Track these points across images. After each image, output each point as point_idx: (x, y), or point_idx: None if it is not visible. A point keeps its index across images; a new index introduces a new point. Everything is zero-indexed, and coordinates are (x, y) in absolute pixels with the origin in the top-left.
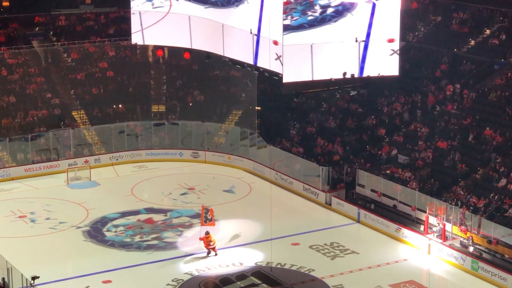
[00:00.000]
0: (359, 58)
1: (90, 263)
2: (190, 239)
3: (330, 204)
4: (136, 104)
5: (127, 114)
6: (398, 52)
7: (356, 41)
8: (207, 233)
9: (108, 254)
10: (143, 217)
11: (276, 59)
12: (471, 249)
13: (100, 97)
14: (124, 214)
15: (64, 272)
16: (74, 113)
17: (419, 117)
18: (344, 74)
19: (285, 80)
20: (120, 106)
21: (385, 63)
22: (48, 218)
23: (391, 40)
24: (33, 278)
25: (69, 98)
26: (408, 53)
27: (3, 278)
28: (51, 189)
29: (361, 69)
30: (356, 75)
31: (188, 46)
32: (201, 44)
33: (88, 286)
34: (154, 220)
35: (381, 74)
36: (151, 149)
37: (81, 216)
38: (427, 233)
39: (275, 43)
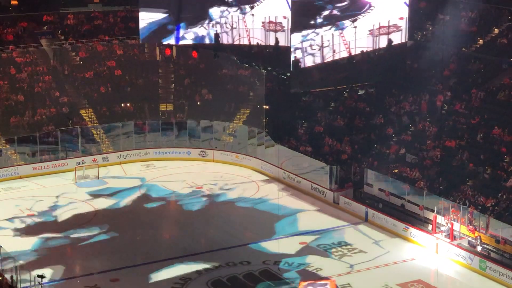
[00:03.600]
0: None
1: (98, 262)
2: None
3: (338, 203)
4: (144, 103)
5: (135, 113)
6: None
7: None
8: None
9: (116, 252)
10: None
11: None
12: (479, 248)
13: (108, 95)
14: None
15: (72, 271)
16: (82, 111)
17: (427, 116)
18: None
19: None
20: (128, 104)
21: None
22: (56, 216)
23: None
24: (40, 276)
25: (77, 96)
26: (416, 52)
27: (11, 276)
28: (59, 188)
29: None
30: None
31: None
32: None
33: (96, 285)
34: None
35: None
36: (159, 148)
37: (89, 214)
38: (435, 233)
39: None
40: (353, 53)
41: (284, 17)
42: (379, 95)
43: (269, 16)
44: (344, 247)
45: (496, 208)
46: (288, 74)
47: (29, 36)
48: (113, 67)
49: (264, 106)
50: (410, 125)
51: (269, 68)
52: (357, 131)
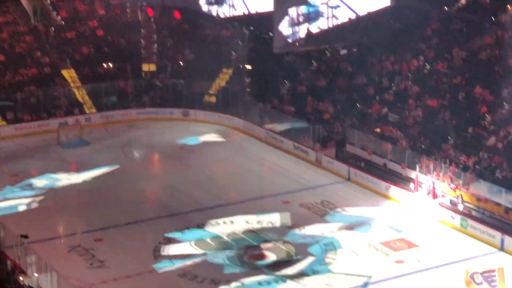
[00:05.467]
0: None
1: (82, 222)
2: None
3: (321, 162)
4: (127, 64)
5: (117, 73)
6: None
7: None
8: None
9: (100, 212)
10: None
11: None
12: (460, 207)
13: (90, 56)
14: None
15: (56, 231)
16: (64, 72)
17: (409, 76)
18: None
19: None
20: (110, 65)
21: None
22: (39, 178)
23: None
24: (23, 236)
25: (59, 57)
26: (399, 12)
27: None
28: (42, 149)
29: None
30: None
31: None
32: None
33: (79, 245)
34: None
35: None
36: (141, 108)
37: (73, 175)
38: (417, 191)
39: None
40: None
41: None
42: (361, 55)
43: None
44: (326, 206)
45: (477, 166)
46: (271, 34)
47: None
48: (95, 28)
49: (246, 66)
50: (392, 85)
51: (252, 28)
52: (340, 91)
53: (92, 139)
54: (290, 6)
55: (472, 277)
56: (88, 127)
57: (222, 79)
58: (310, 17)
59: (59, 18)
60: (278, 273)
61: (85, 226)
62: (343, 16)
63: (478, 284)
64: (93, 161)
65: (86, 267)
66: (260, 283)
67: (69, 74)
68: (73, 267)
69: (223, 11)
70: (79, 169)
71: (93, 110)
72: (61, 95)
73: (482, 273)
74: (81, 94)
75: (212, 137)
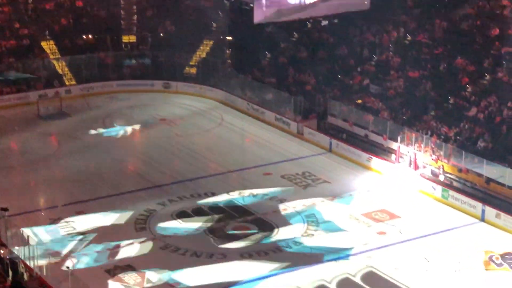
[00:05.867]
0: None
1: (63, 194)
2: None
3: (302, 134)
4: (106, 35)
5: (97, 45)
6: None
7: None
8: None
9: (81, 185)
10: None
11: None
12: (441, 178)
13: (70, 27)
14: None
15: (36, 204)
16: (43, 43)
17: (391, 47)
18: None
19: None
20: (90, 37)
21: None
22: (19, 150)
23: None
24: (3, 209)
25: (38, 28)
26: None
27: None
28: (22, 121)
29: None
30: None
31: None
32: None
33: (60, 217)
34: None
35: None
36: (121, 80)
37: (53, 147)
38: (399, 162)
39: None
40: None
41: None
42: (342, 26)
43: None
44: (308, 177)
45: (458, 137)
46: (251, 5)
47: None
48: None
49: (227, 38)
50: (374, 56)
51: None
52: (321, 62)
53: (72, 111)
54: None
55: (491, 258)
56: (68, 99)
57: (203, 51)
58: None
59: None
60: (259, 245)
61: (66, 199)
62: None
63: (498, 265)
64: (74, 133)
65: (67, 240)
66: (241, 255)
67: (48, 45)
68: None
69: None
70: (60, 141)
71: (73, 82)
72: (40, 67)
73: (502, 255)
74: (60, 66)
75: (193, 109)
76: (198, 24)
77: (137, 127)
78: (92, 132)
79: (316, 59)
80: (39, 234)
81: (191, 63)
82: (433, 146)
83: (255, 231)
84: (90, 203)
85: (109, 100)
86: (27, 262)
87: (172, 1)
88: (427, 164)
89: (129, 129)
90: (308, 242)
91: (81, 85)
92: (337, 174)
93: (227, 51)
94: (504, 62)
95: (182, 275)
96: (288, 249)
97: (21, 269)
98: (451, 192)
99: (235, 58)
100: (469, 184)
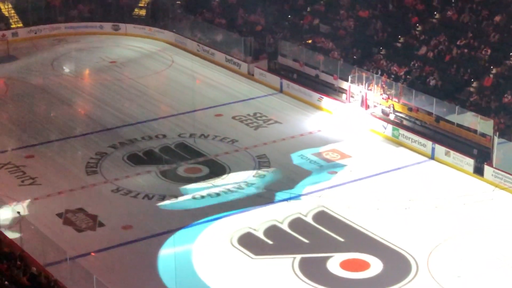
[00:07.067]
0: None
1: (12, 139)
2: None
3: (253, 75)
4: None
5: None
6: None
7: None
8: None
9: (31, 129)
10: None
11: None
12: (392, 116)
13: None
14: None
15: None
16: None
17: None
18: None
19: None
20: None
21: None
22: None
23: None
24: None
25: None
26: None
27: None
28: None
29: None
30: None
31: None
32: None
33: (10, 162)
34: None
35: None
36: (70, 23)
37: (1, 91)
38: (349, 102)
39: None
40: None
41: None
42: None
43: None
44: (259, 118)
45: (408, 76)
46: None
47: None
48: None
49: None
50: None
51: None
52: (271, 2)
53: (20, 54)
54: None
55: None
56: (15, 42)
57: None
58: None
59: None
60: (211, 186)
61: (15, 143)
62: None
63: None
64: (22, 76)
65: (17, 185)
66: (194, 197)
67: None
68: (4, 184)
69: None
70: (8, 85)
71: (20, 24)
72: None
73: None
74: (6, 8)
75: (143, 51)
76: None
77: (86, 70)
78: (41, 75)
79: (266, 0)
80: None
81: (140, 5)
82: (383, 85)
83: (207, 172)
84: (40, 147)
85: (57, 42)
86: None
87: None
88: (377, 103)
89: (79, 71)
90: (260, 183)
91: (28, 27)
92: (288, 115)
93: None
94: (453, 0)
95: (135, 218)
96: (239, 190)
97: None
98: (402, 131)
99: None
100: (419, 123)
